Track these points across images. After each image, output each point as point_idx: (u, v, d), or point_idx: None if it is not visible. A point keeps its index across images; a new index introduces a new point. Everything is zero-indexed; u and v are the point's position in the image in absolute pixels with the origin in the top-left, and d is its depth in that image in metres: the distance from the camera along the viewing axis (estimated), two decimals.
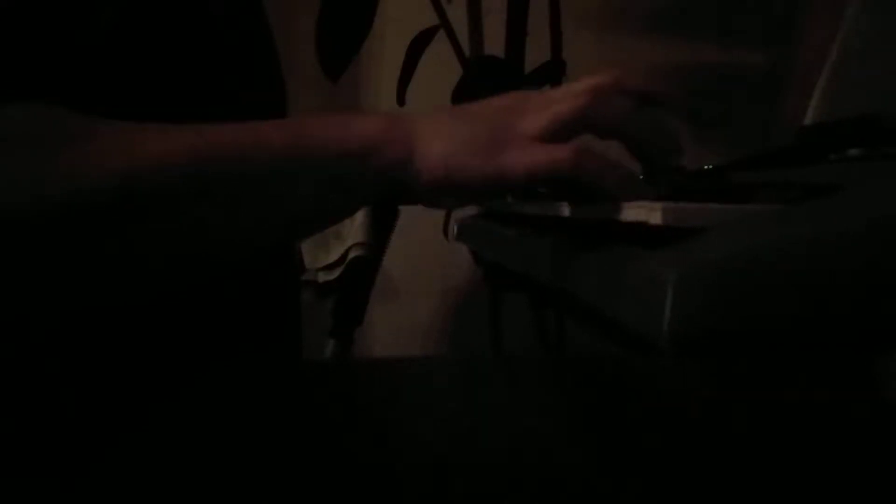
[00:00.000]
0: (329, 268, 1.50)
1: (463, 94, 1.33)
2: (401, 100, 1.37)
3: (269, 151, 0.46)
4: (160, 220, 0.44)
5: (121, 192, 0.43)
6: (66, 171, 0.42)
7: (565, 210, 0.50)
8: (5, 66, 0.45)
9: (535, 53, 1.36)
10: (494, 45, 1.38)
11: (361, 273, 1.32)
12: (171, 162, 0.44)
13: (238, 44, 0.62)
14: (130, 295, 0.48)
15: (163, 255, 0.46)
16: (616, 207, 0.43)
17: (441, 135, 0.47)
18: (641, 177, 0.48)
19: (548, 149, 0.45)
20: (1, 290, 0.43)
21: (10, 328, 0.48)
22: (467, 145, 0.46)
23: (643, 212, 0.39)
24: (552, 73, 1.35)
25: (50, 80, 0.46)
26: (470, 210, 0.84)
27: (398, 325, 1.64)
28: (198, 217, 0.45)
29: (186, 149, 0.44)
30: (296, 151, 0.46)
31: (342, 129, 0.47)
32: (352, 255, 1.43)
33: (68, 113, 0.44)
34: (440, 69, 1.35)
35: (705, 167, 0.68)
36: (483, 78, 1.32)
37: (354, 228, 1.33)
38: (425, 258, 1.58)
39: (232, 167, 0.45)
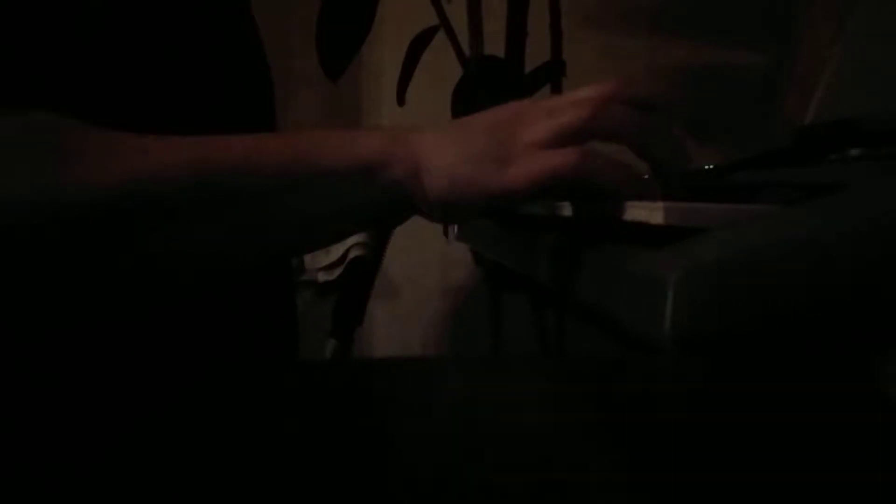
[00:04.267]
0: (329, 268, 1.50)
1: (463, 94, 1.32)
2: (401, 100, 1.37)
3: (271, 167, 0.45)
4: (158, 232, 0.44)
5: (120, 203, 0.42)
6: (64, 181, 0.42)
7: (565, 210, 0.50)
8: (3, 75, 0.45)
9: (535, 53, 1.36)
10: (494, 45, 1.38)
11: (361, 273, 1.32)
12: (171, 174, 0.44)
13: (224, 46, 0.62)
14: (127, 307, 0.48)
15: (160, 268, 0.45)
16: (620, 207, 0.43)
17: (445, 150, 0.47)
18: (646, 175, 0.48)
19: (549, 155, 0.45)
20: (1, 298, 0.43)
21: (8, 333, 0.48)
22: (472, 160, 0.46)
23: (644, 212, 0.39)
24: (552, 73, 1.35)
25: (46, 87, 0.46)
26: None
27: (398, 325, 1.64)
28: (197, 230, 0.45)
29: (187, 161, 0.44)
30: (298, 168, 0.46)
31: (345, 146, 0.47)
32: (352, 255, 1.43)
33: (67, 122, 0.44)
34: (440, 69, 1.35)
35: (705, 167, 0.68)
36: (483, 78, 1.32)
37: None
38: (425, 258, 1.58)
39: (232, 181, 0.45)
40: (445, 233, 1.45)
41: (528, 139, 0.46)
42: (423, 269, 1.61)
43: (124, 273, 0.45)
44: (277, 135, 0.48)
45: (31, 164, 0.42)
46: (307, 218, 0.48)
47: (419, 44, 1.35)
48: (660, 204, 0.38)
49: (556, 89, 1.35)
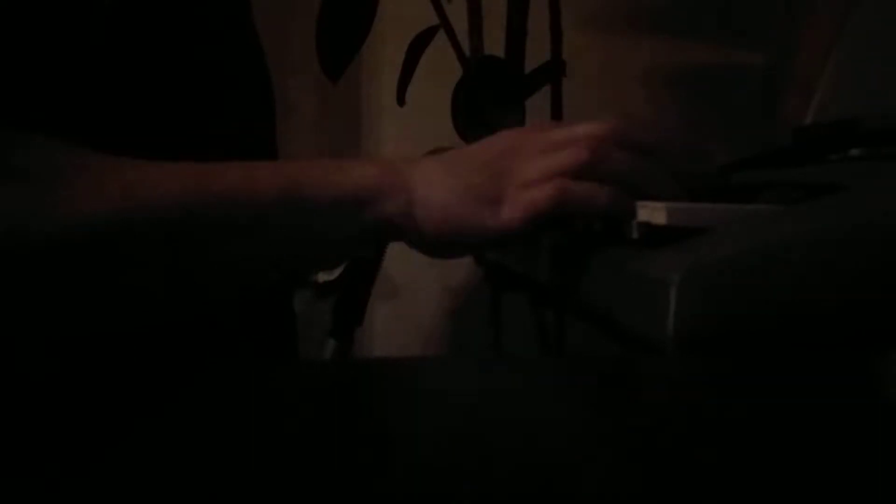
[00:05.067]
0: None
1: (463, 94, 1.32)
2: (401, 100, 1.37)
3: (263, 198, 0.45)
4: (149, 260, 0.44)
5: (111, 232, 0.42)
6: (57, 207, 0.42)
7: None
8: (3, 98, 0.44)
9: (535, 53, 1.36)
10: (494, 45, 1.38)
11: (361, 273, 1.32)
12: (163, 204, 0.43)
13: (225, 56, 0.62)
14: (118, 327, 0.48)
15: (151, 293, 0.45)
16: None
17: (439, 186, 0.46)
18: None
19: (532, 192, 0.45)
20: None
21: (7, 340, 0.48)
22: (466, 198, 0.46)
23: (646, 212, 0.39)
24: (552, 73, 1.35)
25: (46, 107, 0.46)
26: None
27: (398, 324, 1.63)
28: (188, 259, 0.45)
29: (180, 191, 0.44)
30: (290, 199, 0.46)
31: (338, 177, 0.46)
32: None
33: (63, 148, 0.44)
34: (440, 69, 1.35)
35: None
36: (483, 78, 1.32)
37: None
38: (425, 258, 1.57)
39: (223, 214, 0.45)
40: None
41: (522, 178, 0.46)
42: (423, 269, 1.60)
43: (114, 295, 0.45)
44: (270, 164, 0.48)
45: (24, 189, 0.42)
46: (297, 250, 0.48)
47: (419, 44, 1.35)
48: (662, 204, 0.38)
49: (556, 89, 1.35)
